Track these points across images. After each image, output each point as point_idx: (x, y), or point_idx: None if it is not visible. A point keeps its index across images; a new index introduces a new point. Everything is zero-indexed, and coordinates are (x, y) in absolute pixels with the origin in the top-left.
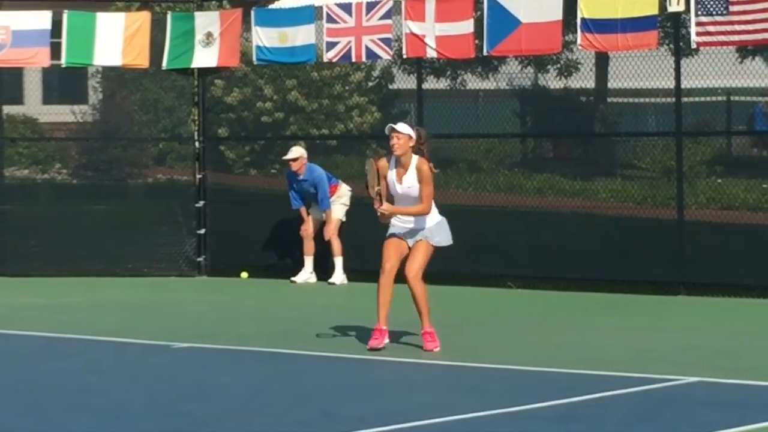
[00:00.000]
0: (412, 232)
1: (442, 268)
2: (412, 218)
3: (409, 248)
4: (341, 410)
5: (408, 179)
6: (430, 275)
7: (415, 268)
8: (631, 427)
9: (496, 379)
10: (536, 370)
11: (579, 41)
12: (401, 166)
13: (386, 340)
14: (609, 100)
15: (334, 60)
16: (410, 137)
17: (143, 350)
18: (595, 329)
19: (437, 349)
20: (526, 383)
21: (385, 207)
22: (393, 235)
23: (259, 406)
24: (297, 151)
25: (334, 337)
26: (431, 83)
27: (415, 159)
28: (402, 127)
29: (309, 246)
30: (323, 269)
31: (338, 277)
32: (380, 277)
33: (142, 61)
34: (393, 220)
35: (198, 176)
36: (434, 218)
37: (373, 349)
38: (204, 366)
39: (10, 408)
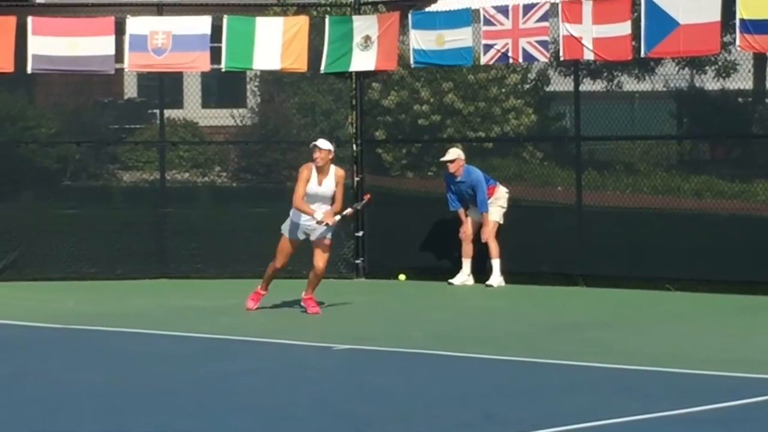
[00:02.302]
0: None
1: (600, 270)
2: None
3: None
4: (503, 412)
5: (328, 182)
6: (588, 277)
7: (323, 265)
8: None
9: (656, 381)
10: (698, 373)
11: (738, 42)
12: (321, 173)
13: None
14: (767, 100)
15: (491, 62)
16: (330, 151)
17: (305, 351)
18: (756, 331)
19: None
20: (688, 386)
21: (327, 218)
22: (293, 239)
23: (421, 408)
24: (454, 153)
25: (494, 339)
26: (587, 85)
27: (333, 167)
28: (323, 143)
29: (467, 248)
30: (481, 271)
31: (496, 279)
32: (273, 267)
33: (301, 64)
34: (301, 220)
35: (356, 179)
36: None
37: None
38: (365, 367)
39: (175, 408)
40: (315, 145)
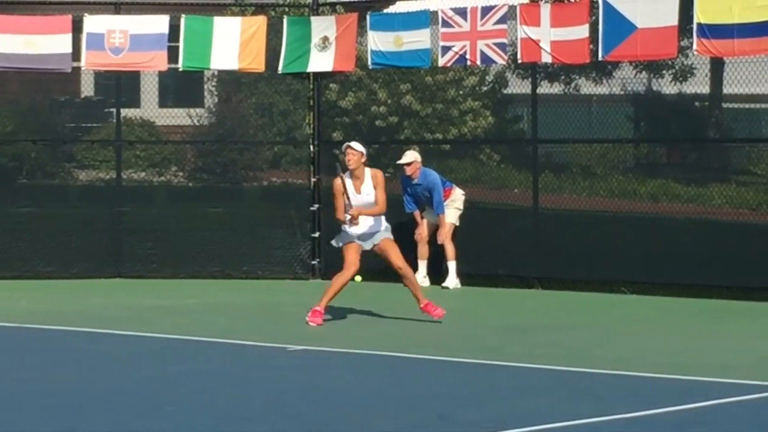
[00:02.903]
0: (370, 234)
1: (556, 273)
2: (371, 221)
3: (368, 249)
4: (457, 414)
5: (366, 188)
6: (544, 280)
7: (401, 261)
8: None
9: (611, 384)
10: (652, 376)
11: (695, 47)
12: (356, 178)
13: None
14: (724, 105)
15: (449, 64)
16: (362, 154)
17: (259, 352)
18: (710, 335)
19: (443, 312)
20: (642, 389)
21: (354, 210)
22: (352, 240)
23: (375, 409)
24: (411, 156)
25: (449, 341)
26: (545, 88)
27: (368, 170)
28: (356, 145)
29: (423, 250)
30: (437, 273)
31: (452, 281)
32: (344, 274)
33: (258, 65)
34: (353, 228)
35: (313, 179)
36: (384, 220)
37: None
38: (320, 368)
39: (128, 408)
40: (348, 146)
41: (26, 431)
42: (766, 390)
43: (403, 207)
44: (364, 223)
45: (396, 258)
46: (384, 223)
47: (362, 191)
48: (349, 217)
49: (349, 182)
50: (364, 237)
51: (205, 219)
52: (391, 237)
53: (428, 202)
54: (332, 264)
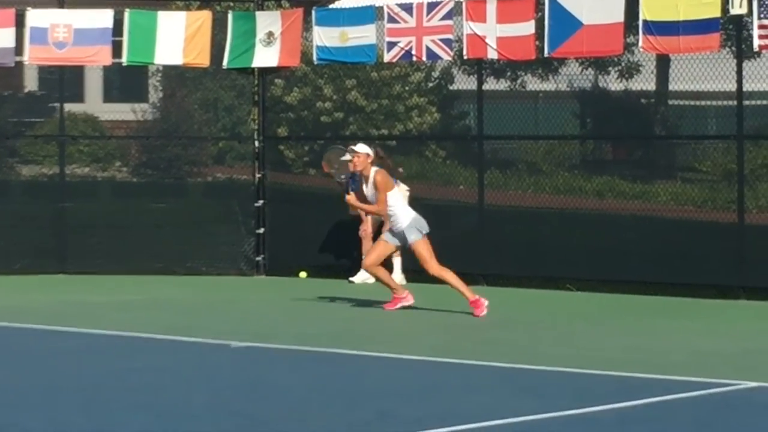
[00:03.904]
0: (399, 234)
1: (501, 269)
2: (392, 221)
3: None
4: (399, 411)
5: (369, 189)
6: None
7: (431, 267)
8: None
9: (554, 381)
10: (595, 373)
11: (640, 43)
12: (365, 177)
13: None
14: (670, 102)
15: (394, 60)
16: (368, 155)
17: (202, 349)
18: (654, 332)
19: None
20: (585, 386)
21: (350, 198)
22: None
23: (317, 406)
24: (360, 148)
25: (391, 338)
26: (491, 84)
27: (373, 171)
28: (360, 148)
29: (367, 246)
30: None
31: (397, 277)
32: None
33: (203, 60)
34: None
35: (257, 175)
36: (406, 220)
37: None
38: (263, 365)
39: (71, 405)
40: (352, 150)
41: None
42: (709, 387)
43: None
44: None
45: (425, 263)
46: (405, 223)
47: (368, 193)
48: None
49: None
50: (397, 236)
51: (149, 214)
52: (418, 237)
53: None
54: (277, 259)
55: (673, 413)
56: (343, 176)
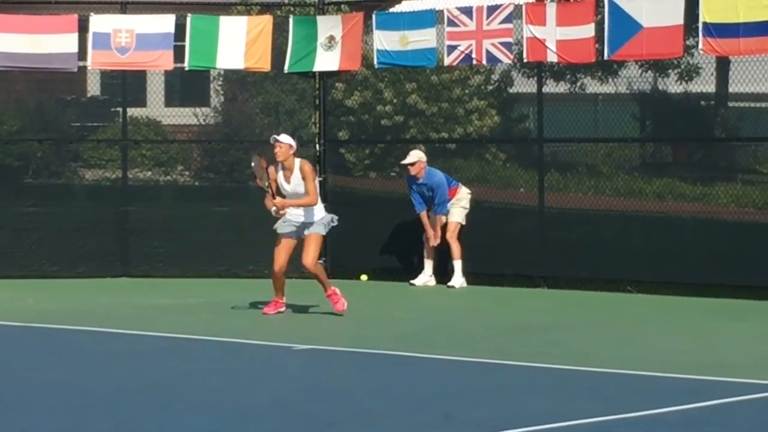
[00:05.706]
0: (304, 226)
1: (562, 272)
2: (302, 212)
3: (300, 239)
4: (463, 413)
5: (295, 179)
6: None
7: (311, 259)
8: None
9: (616, 383)
10: (657, 375)
11: (701, 46)
12: (287, 169)
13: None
14: (730, 104)
15: (455, 63)
16: (290, 146)
17: (265, 351)
18: (716, 334)
19: (345, 305)
20: (647, 388)
21: (278, 201)
22: (283, 235)
23: (380, 409)
24: (415, 155)
25: (454, 340)
26: (551, 87)
27: (297, 161)
28: (283, 138)
29: (429, 249)
30: (443, 272)
31: (457, 280)
32: (273, 275)
33: (264, 64)
34: (286, 216)
35: (318, 179)
36: (321, 213)
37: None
38: (325, 368)
39: (136, 407)
40: (275, 139)
41: (31, 430)
42: None
43: (412, 206)
44: (295, 213)
45: (307, 255)
46: (318, 216)
47: (291, 182)
48: (275, 208)
49: (280, 173)
50: (299, 229)
51: (211, 218)
52: (322, 232)
53: (432, 201)
54: (338, 262)
55: (738, 416)
56: (267, 183)
